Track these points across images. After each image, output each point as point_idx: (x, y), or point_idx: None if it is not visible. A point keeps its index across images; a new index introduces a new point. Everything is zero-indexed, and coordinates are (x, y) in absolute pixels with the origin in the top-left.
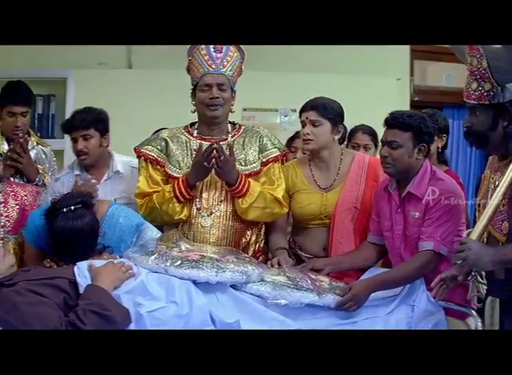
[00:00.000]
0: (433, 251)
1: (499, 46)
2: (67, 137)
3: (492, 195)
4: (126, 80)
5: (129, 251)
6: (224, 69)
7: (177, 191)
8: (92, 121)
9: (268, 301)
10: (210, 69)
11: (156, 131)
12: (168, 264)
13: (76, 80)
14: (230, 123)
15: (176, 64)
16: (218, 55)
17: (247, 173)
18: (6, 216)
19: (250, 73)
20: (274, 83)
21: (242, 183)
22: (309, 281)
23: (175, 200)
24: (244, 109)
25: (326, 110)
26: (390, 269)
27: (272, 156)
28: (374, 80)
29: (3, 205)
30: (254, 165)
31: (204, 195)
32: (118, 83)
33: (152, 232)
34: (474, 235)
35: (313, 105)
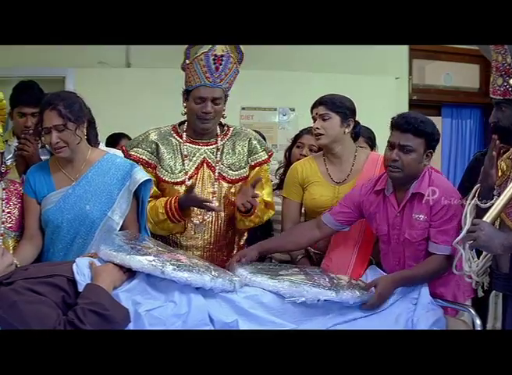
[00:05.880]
0: (448, 256)
1: None
2: None
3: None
4: (125, 78)
5: (107, 249)
6: (221, 83)
7: (170, 215)
8: None
9: (285, 298)
10: (207, 81)
11: None
12: (165, 266)
13: (75, 79)
14: (219, 124)
15: (173, 63)
16: (218, 68)
17: (236, 178)
18: (8, 212)
19: (248, 72)
20: (273, 82)
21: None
22: (327, 279)
23: (169, 221)
24: (243, 108)
25: (334, 104)
26: (412, 268)
27: (260, 160)
28: (373, 79)
29: (6, 201)
30: (244, 170)
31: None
32: (116, 81)
33: (142, 174)
34: (488, 218)
35: (321, 101)
